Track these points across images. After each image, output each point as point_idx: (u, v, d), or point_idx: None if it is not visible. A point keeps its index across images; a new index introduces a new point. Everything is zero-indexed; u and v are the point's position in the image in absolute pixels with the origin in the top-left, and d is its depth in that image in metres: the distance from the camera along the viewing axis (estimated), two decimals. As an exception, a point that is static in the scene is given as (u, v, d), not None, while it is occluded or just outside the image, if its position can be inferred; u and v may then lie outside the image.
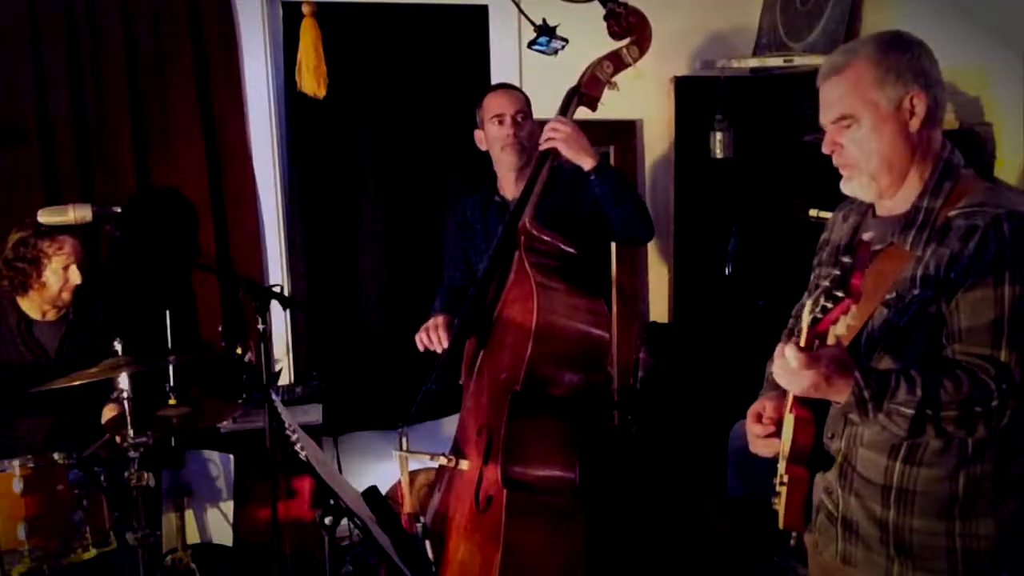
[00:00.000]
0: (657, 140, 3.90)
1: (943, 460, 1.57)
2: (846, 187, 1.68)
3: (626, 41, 2.61)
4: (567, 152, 2.53)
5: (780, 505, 1.75)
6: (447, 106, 3.85)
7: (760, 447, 1.75)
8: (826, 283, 1.37)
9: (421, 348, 2.72)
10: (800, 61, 3.43)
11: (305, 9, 3.47)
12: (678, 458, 3.44)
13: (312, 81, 3.49)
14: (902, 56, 1.59)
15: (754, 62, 3.57)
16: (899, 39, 1.62)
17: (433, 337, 2.68)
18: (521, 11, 2.68)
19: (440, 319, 2.72)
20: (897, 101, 1.58)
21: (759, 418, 1.74)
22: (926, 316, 1.54)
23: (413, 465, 3.75)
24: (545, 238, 2.48)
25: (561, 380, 2.32)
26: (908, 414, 1.48)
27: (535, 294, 2.32)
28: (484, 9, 3.85)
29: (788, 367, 1.45)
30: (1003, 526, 1.57)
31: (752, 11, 3.91)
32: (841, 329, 1.59)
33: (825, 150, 1.66)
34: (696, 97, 3.71)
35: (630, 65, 2.60)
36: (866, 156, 1.62)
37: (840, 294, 1.37)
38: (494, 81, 3.89)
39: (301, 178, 3.73)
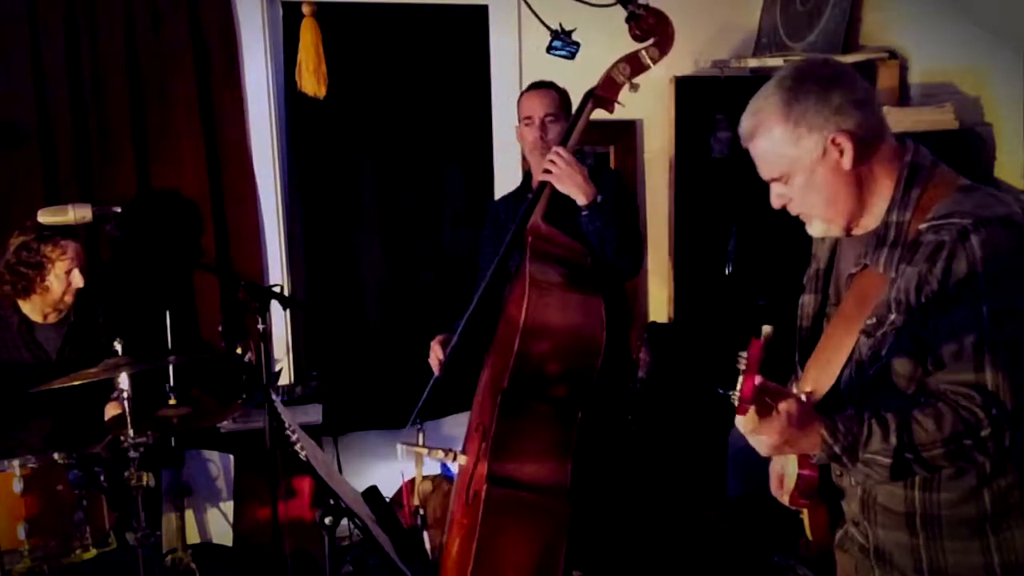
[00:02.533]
0: (657, 140, 3.90)
1: (961, 482, 1.50)
2: (811, 231, 1.62)
3: (647, 43, 2.57)
4: (560, 187, 2.52)
5: (806, 525, 1.72)
6: (447, 106, 3.85)
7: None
8: (740, 365, 1.33)
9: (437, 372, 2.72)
10: (800, 61, 3.43)
11: (305, 9, 3.47)
12: (678, 458, 3.44)
13: (312, 81, 3.49)
14: (807, 102, 1.49)
15: (754, 62, 3.58)
16: (800, 80, 1.51)
17: (432, 363, 2.68)
18: (536, 15, 2.66)
19: (440, 338, 2.72)
20: (820, 149, 1.50)
21: (781, 482, 1.72)
22: (906, 343, 1.46)
23: (413, 473, 3.76)
24: (554, 238, 2.47)
25: (550, 379, 2.33)
26: (885, 463, 1.41)
27: (527, 291, 2.33)
28: (484, 9, 3.86)
29: (744, 432, 1.42)
30: None
31: (752, 11, 3.92)
32: (807, 385, 1.58)
33: (774, 206, 1.62)
34: (696, 97, 3.72)
35: (649, 67, 2.56)
36: (811, 205, 1.57)
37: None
38: (494, 81, 3.90)
39: (301, 178, 3.73)
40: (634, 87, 2.58)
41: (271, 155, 3.67)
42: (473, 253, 3.96)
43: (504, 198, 3.07)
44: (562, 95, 2.79)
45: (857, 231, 1.58)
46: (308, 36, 3.48)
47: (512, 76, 3.88)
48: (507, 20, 3.84)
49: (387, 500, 2.27)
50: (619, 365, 2.71)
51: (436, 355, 2.69)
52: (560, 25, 2.70)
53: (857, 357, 1.54)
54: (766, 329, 1.46)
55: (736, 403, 1.37)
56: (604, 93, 2.58)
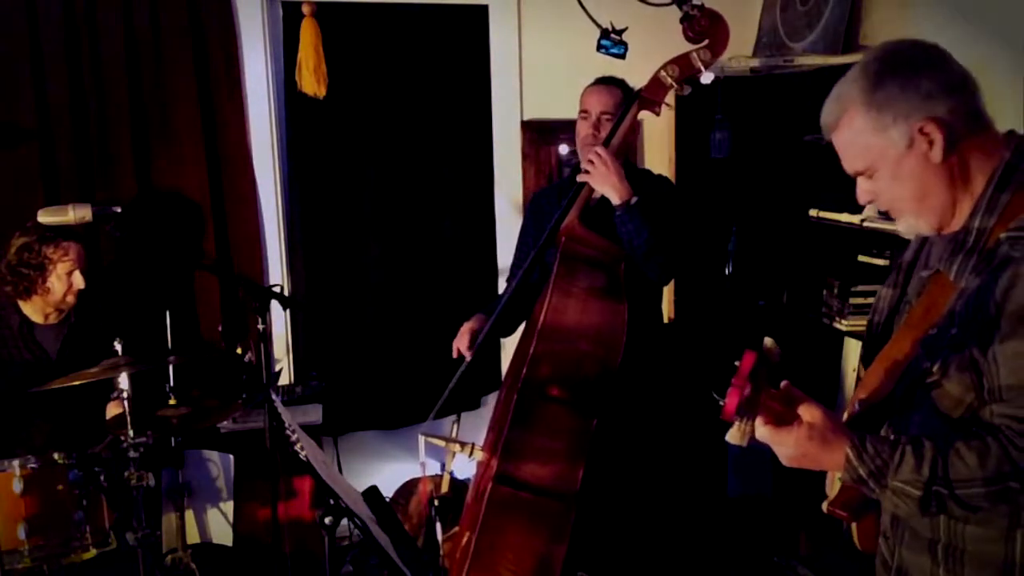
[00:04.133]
0: (657, 140, 3.90)
1: (993, 519, 1.37)
2: (900, 228, 1.48)
3: (700, 45, 2.51)
4: (597, 187, 2.51)
5: (853, 533, 1.63)
6: (447, 106, 3.85)
7: None
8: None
9: (455, 355, 2.72)
10: (800, 61, 3.43)
11: (305, 9, 3.48)
12: (678, 458, 3.44)
13: (312, 81, 3.49)
14: (892, 87, 1.37)
15: (754, 62, 3.57)
16: (885, 64, 1.39)
17: (461, 347, 2.68)
18: (587, 12, 2.62)
19: (471, 326, 2.72)
20: (906, 139, 1.37)
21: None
22: (962, 362, 1.33)
23: (413, 474, 3.77)
24: (588, 240, 2.46)
25: (564, 383, 2.32)
26: (915, 495, 1.30)
27: (550, 292, 2.32)
28: (484, 9, 3.86)
29: (760, 439, 1.37)
30: None
31: (752, 11, 3.92)
32: (864, 391, 1.47)
33: (861, 201, 1.50)
34: (696, 97, 3.71)
35: (700, 71, 2.48)
36: (899, 200, 1.43)
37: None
38: (494, 81, 3.90)
39: (301, 178, 3.73)
40: (683, 90, 2.51)
41: (271, 155, 3.67)
42: (473, 253, 3.99)
43: (549, 188, 3.07)
44: (627, 94, 2.70)
45: (949, 230, 1.44)
46: (308, 36, 3.48)
47: (512, 76, 3.88)
48: (507, 20, 3.85)
49: (387, 500, 2.27)
50: (646, 371, 2.70)
51: (461, 343, 2.68)
52: (611, 24, 2.63)
53: (912, 368, 1.43)
54: (767, 341, 1.43)
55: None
56: (650, 95, 2.54)
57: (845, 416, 1.53)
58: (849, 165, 1.46)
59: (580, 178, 2.54)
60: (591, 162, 2.51)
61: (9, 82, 3.30)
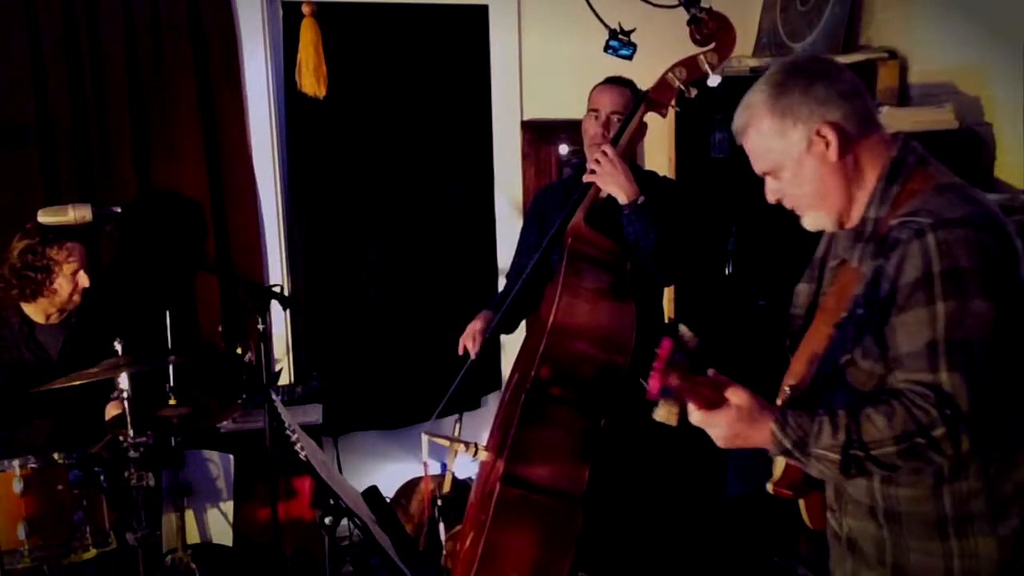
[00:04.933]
0: (657, 140, 3.89)
1: (919, 479, 1.51)
2: (805, 224, 1.65)
3: (707, 47, 2.51)
4: (604, 187, 2.50)
5: (803, 513, 1.73)
6: (447, 106, 3.85)
7: None
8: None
9: (460, 352, 2.72)
10: (800, 61, 3.43)
11: (305, 9, 3.47)
12: (678, 458, 3.44)
13: (312, 81, 3.48)
14: (793, 94, 1.54)
15: (754, 62, 3.57)
16: (789, 74, 1.56)
17: (468, 344, 2.69)
18: (595, 13, 2.62)
19: (477, 325, 2.72)
20: (805, 141, 1.54)
21: None
22: (869, 338, 1.48)
23: (414, 474, 3.77)
24: (594, 240, 2.46)
25: (574, 384, 2.31)
26: (835, 459, 1.42)
27: (559, 293, 2.32)
28: (484, 9, 3.86)
29: (693, 423, 1.50)
30: (1006, 546, 1.49)
31: (752, 11, 3.92)
32: (792, 378, 1.59)
33: (769, 200, 1.66)
34: (696, 97, 3.71)
35: (707, 73, 2.49)
36: (801, 197, 1.60)
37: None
38: (494, 81, 3.90)
39: (301, 178, 3.73)
40: (690, 92, 2.51)
41: (271, 155, 3.67)
42: (473, 253, 3.99)
43: (554, 185, 3.06)
44: (636, 95, 2.70)
45: (849, 224, 1.61)
46: (308, 36, 3.47)
47: (512, 76, 3.88)
48: (507, 20, 3.85)
49: (387, 500, 2.27)
50: (645, 371, 2.69)
51: (469, 341, 2.68)
52: (619, 24, 2.63)
53: (830, 351, 1.57)
54: (682, 329, 1.59)
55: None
56: (658, 96, 2.53)
57: (779, 402, 1.65)
58: (757, 166, 1.63)
59: (587, 178, 2.53)
60: (598, 161, 2.50)
61: (9, 82, 3.30)
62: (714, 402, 1.49)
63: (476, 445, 2.50)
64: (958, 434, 1.37)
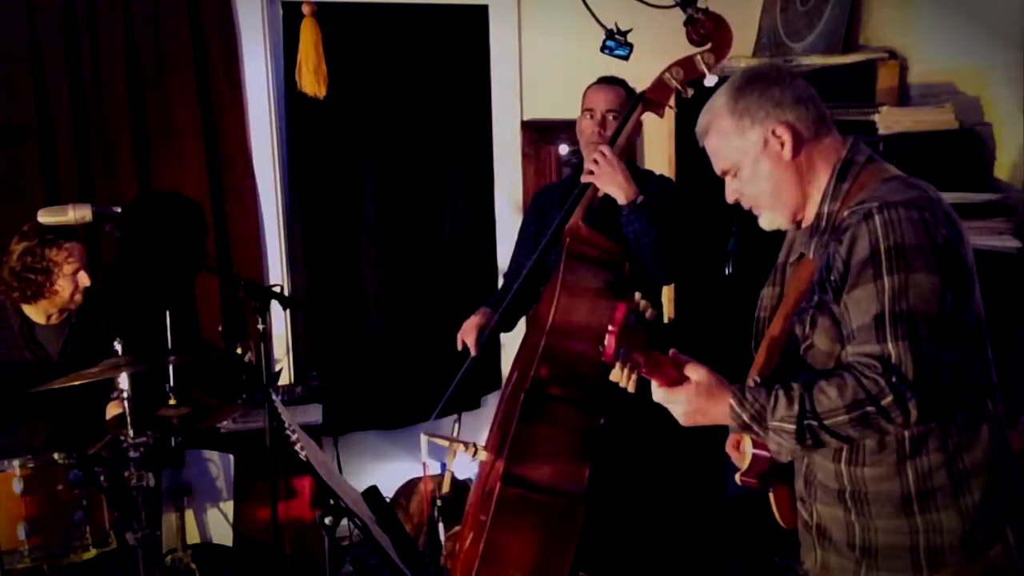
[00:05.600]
0: (657, 140, 3.90)
1: (882, 457, 1.56)
2: (762, 223, 1.73)
3: (703, 48, 2.51)
4: (602, 187, 2.50)
5: (774, 508, 1.77)
6: (447, 106, 3.85)
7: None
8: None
9: (460, 347, 2.72)
10: (800, 61, 3.43)
11: (305, 9, 3.47)
12: (678, 458, 3.44)
13: (312, 81, 3.49)
14: (751, 97, 1.64)
15: (754, 62, 3.57)
16: (748, 80, 1.67)
17: (467, 339, 2.69)
18: (592, 13, 2.62)
19: (476, 321, 2.72)
20: (761, 140, 1.64)
21: (737, 446, 1.74)
22: (826, 320, 1.55)
23: (413, 473, 3.77)
24: (592, 240, 2.45)
25: (573, 383, 2.31)
26: (790, 430, 1.48)
27: (557, 293, 2.32)
28: (484, 9, 3.86)
29: (656, 400, 1.58)
30: (968, 518, 1.54)
31: (752, 11, 3.92)
32: (756, 371, 1.64)
33: (728, 200, 1.74)
34: (697, 97, 3.70)
35: (704, 73, 2.48)
36: (758, 196, 1.69)
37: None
38: (494, 81, 3.90)
39: (301, 178, 3.73)
40: (687, 92, 2.52)
41: (271, 155, 3.67)
42: (473, 253, 3.99)
43: (552, 186, 3.06)
44: (630, 94, 2.72)
45: (805, 222, 1.69)
46: (308, 36, 3.48)
47: (512, 76, 3.88)
48: (507, 20, 3.85)
49: (387, 500, 2.27)
50: None
51: (468, 337, 2.68)
52: (616, 25, 2.63)
53: (792, 339, 1.63)
54: (636, 296, 1.79)
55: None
56: (655, 96, 2.53)
57: None
58: (718, 166, 1.73)
59: (585, 178, 2.53)
60: (596, 162, 2.50)
61: (9, 82, 3.30)
62: (676, 380, 1.56)
63: (475, 445, 2.50)
64: (905, 402, 1.43)
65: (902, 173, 1.62)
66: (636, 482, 2.77)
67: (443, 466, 3.53)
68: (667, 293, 3.96)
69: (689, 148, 3.76)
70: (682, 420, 1.59)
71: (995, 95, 2.94)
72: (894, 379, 1.43)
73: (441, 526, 2.68)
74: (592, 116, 2.71)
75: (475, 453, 2.47)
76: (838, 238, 1.54)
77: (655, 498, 2.94)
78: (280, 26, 3.65)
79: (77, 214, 2.47)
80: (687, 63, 2.51)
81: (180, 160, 3.51)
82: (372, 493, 2.12)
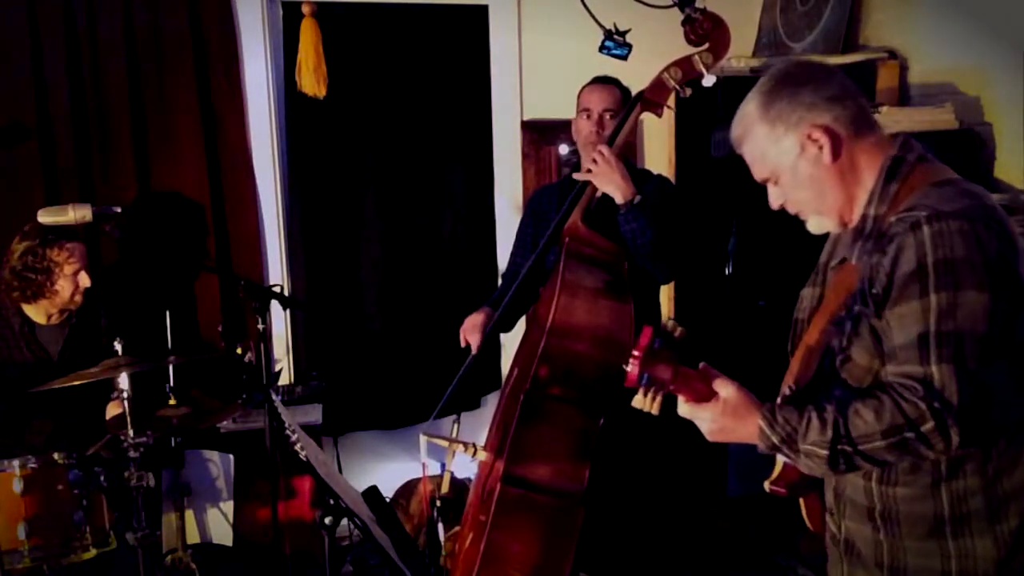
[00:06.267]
0: (657, 140, 3.90)
1: (916, 478, 1.49)
2: (810, 227, 1.66)
3: (701, 48, 2.52)
4: (600, 186, 2.50)
5: (804, 515, 1.73)
6: (447, 106, 3.85)
7: None
8: None
9: (463, 344, 2.72)
10: (800, 61, 3.43)
11: (305, 9, 3.47)
12: (678, 458, 3.44)
13: (312, 81, 3.49)
14: (782, 102, 1.56)
15: (754, 62, 3.57)
16: (776, 82, 1.59)
17: (469, 337, 2.69)
18: (591, 13, 2.62)
19: (478, 319, 2.72)
20: (797, 146, 1.55)
21: None
22: (865, 333, 1.47)
23: (413, 474, 3.77)
24: (591, 240, 2.46)
25: (573, 383, 2.31)
26: (823, 455, 1.41)
27: (557, 293, 2.32)
28: (484, 9, 3.86)
29: (680, 414, 1.53)
30: (1003, 545, 1.46)
31: (752, 11, 3.92)
32: (791, 378, 1.60)
33: (773, 206, 1.67)
34: (696, 97, 3.71)
35: (702, 73, 2.50)
36: (801, 202, 1.61)
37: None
38: (494, 81, 3.90)
39: (301, 178, 3.73)
40: (684, 92, 2.52)
41: (271, 155, 3.67)
42: (473, 253, 3.99)
43: (549, 187, 3.06)
44: (624, 93, 2.73)
45: (852, 224, 1.61)
46: (308, 36, 3.48)
47: (512, 76, 3.88)
48: (507, 20, 3.85)
49: (387, 500, 2.27)
50: None
51: (471, 336, 2.68)
52: (615, 25, 2.64)
53: (830, 349, 1.57)
54: (666, 319, 1.70)
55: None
56: (653, 96, 2.53)
57: (779, 401, 1.62)
58: (757, 174, 1.65)
59: (583, 177, 2.54)
60: (594, 161, 2.50)
61: (9, 82, 3.30)
62: (704, 395, 1.50)
63: (474, 445, 2.50)
64: (947, 428, 1.35)
65: (957, 176, 1.53)
66: (636, 482, 2.77)
67: (443, 466, 3.53)
68: (667, 293, 3.96)
69: (689, 148, 3.77)
70: (708, 436, 1.53)
71: (995, 95, 2.94)
72: (936, 404, 1.35)
73: (441, 526, 2.67)
74: (589, 116, 2.71)
75: (474, 453, 2.47)
76: (883, 248, 1.45)
77: (655, 498, 2.94)
78: (280, 26, 3.65)
79: (77, 214, 2.47)
80: (685, 63, 2.51)
81: (180, 160, 3.51)
82: (372, 493, 2.12)
